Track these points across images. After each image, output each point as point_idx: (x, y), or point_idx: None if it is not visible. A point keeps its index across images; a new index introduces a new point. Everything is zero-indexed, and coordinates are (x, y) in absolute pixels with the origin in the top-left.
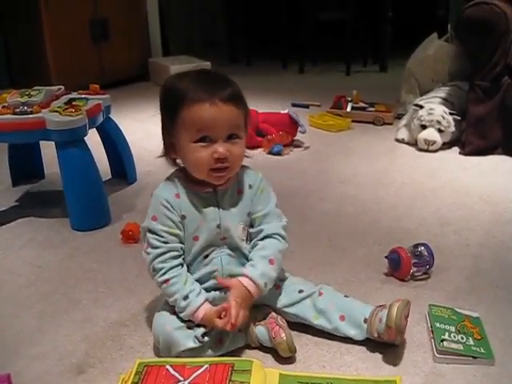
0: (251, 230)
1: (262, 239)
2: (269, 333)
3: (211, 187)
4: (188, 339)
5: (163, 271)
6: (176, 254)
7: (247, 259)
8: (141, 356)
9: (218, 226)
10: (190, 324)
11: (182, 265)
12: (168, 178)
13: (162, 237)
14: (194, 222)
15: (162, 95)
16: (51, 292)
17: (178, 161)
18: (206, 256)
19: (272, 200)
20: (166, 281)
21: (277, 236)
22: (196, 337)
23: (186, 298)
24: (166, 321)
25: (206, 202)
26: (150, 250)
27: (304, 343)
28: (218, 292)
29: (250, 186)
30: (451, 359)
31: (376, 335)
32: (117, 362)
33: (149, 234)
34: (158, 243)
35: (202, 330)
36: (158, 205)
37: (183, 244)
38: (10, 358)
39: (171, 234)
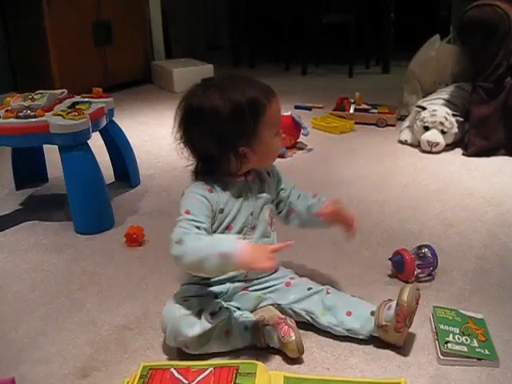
0: (282, 208)
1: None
2: (277, 333)
3: (243, 176)
4: (195, 325)
5: (192, 233)
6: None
7: (270, 241)
8: (145, 359)
9: (252, 214)
10: (201, 307)
11: None
12: (195, 180)
13: (194, 223)
14: (232, 212)
15: (229, 112)
16: (55, 295)
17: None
18: None
19: (287, 180)
20: (197, 239)
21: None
22: (205, 317)
23: (219, 236)
24: (176, 307)
25: (240, 192)
26: (177, 229)
27: (309, 346)
28: (232, 284)
29: (269, 174)
30: (455, 361)
31: (383, 323)
32: (121, 366)
33: (180, 223)
34: (188, 226)
35: (210, 308)
36: (192, 198)
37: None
38: (15, 362)
39: (202, 222)
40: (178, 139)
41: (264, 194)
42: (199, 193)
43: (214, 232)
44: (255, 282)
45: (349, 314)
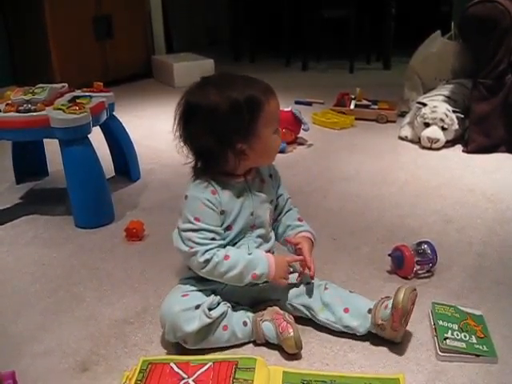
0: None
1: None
2: (276, 328)
3: (243, 177)
4: (194, 320)
5: (218, 253)
6: (222, 244)
7: (267, 241)
8: (145, 354)
9: (252, 214)
10: (199, 302)
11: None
12: (196, 180)
13: (208, 235)
14: (232, 214)
15: (227, 110)
16: (55, 289)
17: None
18: (235, 244)
19: (285, 189)
20: (226, 257)
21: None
22: (204, 311)
23: (249, 254)
24: (175, 302)
25: (241, 192)
26: (197, 247)
27: (308, 341)
28: None
29: (271, 176)
30: (454, 357)
31: (380, 322)
32: (121, 360)
33: (192, 233)
34: (205, 241)
35: (208, 302)
36: (199, 205)
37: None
38: (15, 356)
39: (216, 232)
40: (178, 137)
41: (263, 194)
42: (205, 197)
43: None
44: None
45: (346, 310)
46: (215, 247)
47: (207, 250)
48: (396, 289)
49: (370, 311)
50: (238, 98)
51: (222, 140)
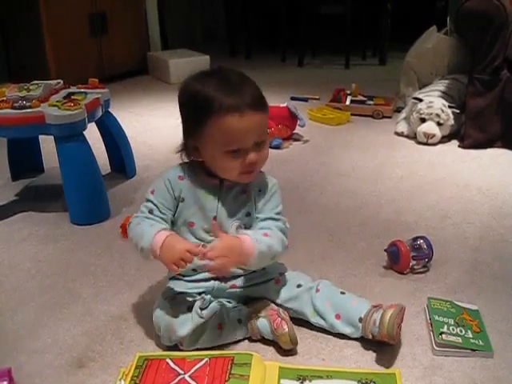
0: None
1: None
2: (270, 325)
3: (218, 180)
4: (187, 322)
5: (136, 219)
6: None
7: None
8: (141, 350)
9: (215, 219)
10: (190, 303)
11: None
12: (179, 164)
13: (151, 206)
14: (191, 207)
15: (185, 99)
16: (51, 286)
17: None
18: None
19: (278, 208)
20: (137, 224)
21: (270, 221)
22: (196, 312)
23: (152, 225)
24: (165, 306)
25: (208, 193)
26: (137, 214)
27: (303, 337)
28: (217, 281)
29: (260, 190)
30: (450, 352)
31: (371, 336)
32: (117, 356)
33: (144, 203)
34: (145, 210)
35: (200, 302)
36: (160, 182)
37: (166, 225)
38: (11, 353)
39: (160, 210)
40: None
41: (237, 205)
42: (168, 177)
43: (175, 224)
44: (242, 278)
45: (338, 317)
46: (148, 218)
47: (138, 216)
48: (392, 284)
49: (361, 320)
50: (198, 93)
51: (183, 128)
